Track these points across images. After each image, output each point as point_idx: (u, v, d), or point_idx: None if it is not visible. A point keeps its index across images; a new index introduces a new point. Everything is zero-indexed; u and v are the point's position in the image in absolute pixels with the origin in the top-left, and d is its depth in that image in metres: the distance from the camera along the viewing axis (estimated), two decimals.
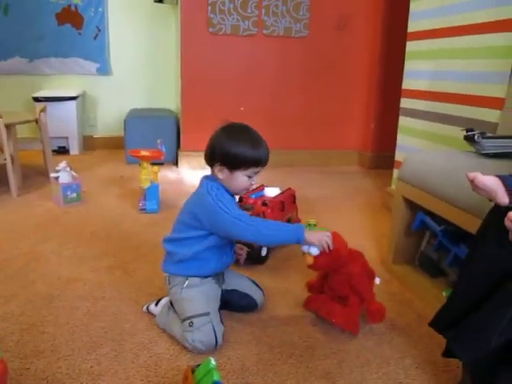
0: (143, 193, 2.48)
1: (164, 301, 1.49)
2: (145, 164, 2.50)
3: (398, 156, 2.72)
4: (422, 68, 2.55)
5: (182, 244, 1.40)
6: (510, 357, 0.91)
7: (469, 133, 1.70)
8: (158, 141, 2.60)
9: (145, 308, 1.52)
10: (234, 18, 3.44)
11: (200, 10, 3.38)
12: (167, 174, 3.33)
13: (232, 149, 1.30)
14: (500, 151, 1.63)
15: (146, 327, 1.43)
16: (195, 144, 3.55)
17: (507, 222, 0.87)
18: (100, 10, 4.06)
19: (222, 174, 1.34)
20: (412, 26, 2.64)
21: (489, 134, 1.75)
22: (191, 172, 3.44)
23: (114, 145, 4.10)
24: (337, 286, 1.45)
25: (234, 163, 1.31)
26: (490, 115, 2.07)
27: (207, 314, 1.32)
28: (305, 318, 1.51)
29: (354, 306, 1.43)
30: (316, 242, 1.32)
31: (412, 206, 1.76)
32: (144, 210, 2.47)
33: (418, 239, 1.84)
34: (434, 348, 1.37)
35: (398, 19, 3.10)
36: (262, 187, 2.19)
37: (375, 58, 3.65)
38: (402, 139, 2.71)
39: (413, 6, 2.64)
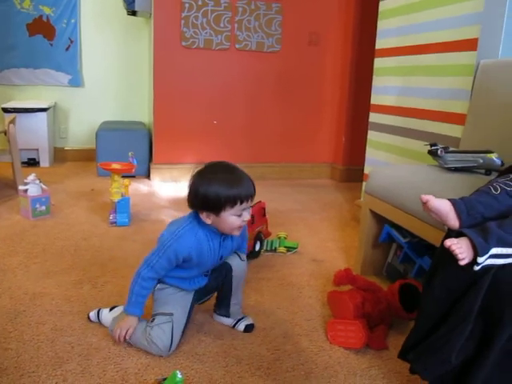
0: (114, 206, 2.46)
1: (121, 309, 1.47)
2: (115, 177, 2.49)
3: (367, 169, 2.78)
4: (389, 84, 2.63)
5: None
6: (470, 371, 0.93)
7: (432, 147, 1.76)
8: (130, 154, 2.59)
9: (94, 313, 1.51)
10: (206, 33, 3.48)
11: (173, 24, 3.40)
12: (139, 186, 3.31)
13: (209, 192, 1.26)
14: (461, 165, 1.69)
15: (113, 342, 1.41)
16: (167, 157, 3.56)
17: (446, 243, 0.90)
18: (72, 21, 4.04)
19: (210, 219, 1.30)
20: (379, 44, 2.72)
21: (451, 149, 1.80)
22: (163, 185, 3.43)
23: (86, 157, 4.06)
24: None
25: (216, 207, 1.27)
26: (454, 130, 2.14)
27: (170, 314, 1.36)
28: (274, 330, 1.52)
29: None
30: (115, 329, 1.38)
31: (379, 219, 1.80)
32: (114, 223, 2.45)
33: (385, 251, 1.88)
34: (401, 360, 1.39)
35: (366, 36, 3.20)
36: None
37: (345, 74, 3.73)
38: (370, 153, 2.77)
39: (380, 24, 2.72)
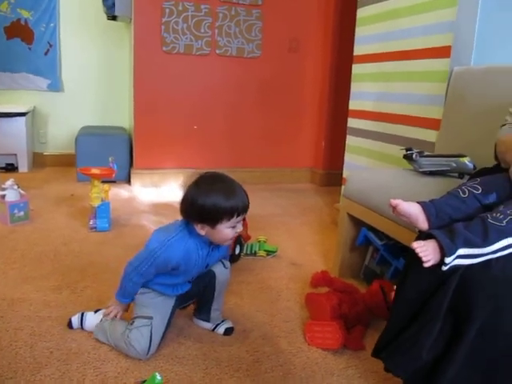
0: (94, 211, 2.45)
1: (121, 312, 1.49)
2: (95, 182, 2.48)
3: (346, 173, 2.83)
4: (366, 90, 2.68)
5: None
6: (440, 366, 0.97)
7: (407, 152, 1.80)
8: (110, 159, 2.58)
9: (77, 317, 1.51)
10: (187, 38, 3.49)
11: (153, 29, 3.41)
12: (119, 192, 3.30)
13: (207, 204, 1.25)
14: (435, 169, 1.73)
15: (93, 346, 1.42)
16: (148, 162, 3.56)
17: (412, 246, 0.94)
18: (52, 25, 4.02)
19: (204, 230, 1.31)
20: (357, 50, 2.78)
21: (426, 153, 1.85)
22: (144, 190, 3.43)
23: (65, 162, 4.02)
24: None
25: (212, 219, 1.27)
26: (429, 135, 2.20)
27: (150, 317, 1.37)
28: (253, 332, 1.54)
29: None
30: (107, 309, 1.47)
31: (356, 222, 1.84)
32: (94, 228, 2.44)
33: (362, 254, 1.92)
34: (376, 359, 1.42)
35: (345, 43, 3.25)
36: None
37: (325, 79, 3.78)
38: (349, 157, 2.82)
39: (358, 31, 2.77)
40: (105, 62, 4.18)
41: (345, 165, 2.86)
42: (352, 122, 2.80)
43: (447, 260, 0.90)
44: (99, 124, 4.20)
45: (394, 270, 1.67)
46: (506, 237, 0.89)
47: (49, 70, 4.08)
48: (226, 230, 1.30)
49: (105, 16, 3.77)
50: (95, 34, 4.11)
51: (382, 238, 1.72)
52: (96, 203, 2.44)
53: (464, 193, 1.04)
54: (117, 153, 3.21)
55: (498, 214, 0.92)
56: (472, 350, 0.92)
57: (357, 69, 2.78)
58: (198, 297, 1.55)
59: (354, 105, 2.80)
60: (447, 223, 0.99)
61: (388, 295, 1.56)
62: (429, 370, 0.96)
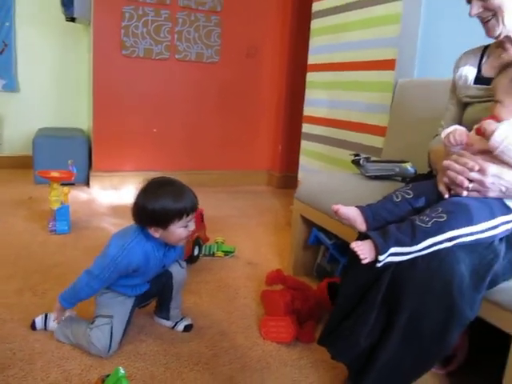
0: (53, 214, 2.47)
1: (67, 312, 1.52)
2: (55, 185, 2.50)
3: (300, 176, 2.96)
4: (319, 97, 2.82)
5: None
6: (377, 350, 1.09)
7: (355, 158, 1.94)
8: (69, 162, 2.61)
9: (40, 318, 1.55)
10: (147, 42, 3.54)
11: (113, 33, 3.43)
12: (78, 194, 3.31)
13: (156, 208, 1.32)
14: (380, 174, 1.88)
15: (56, 346, 1.46)
16: (107, 165, 3.58)
17: (351, 246, 1.07)
18: (7, 24, 3.95)
19: (158, 233, 1.37)
20: (311, 59, 2.92)
21: (372, 159, 2.00)
22: (103, 192, 3.45)
23: (22, 164, 3.97)
24: None
25: (163, 221, 1.34)
26: (376, 141, 2.36)
27: (110, 316, 1.43)
28: (212, 329, 1.63)
29: None
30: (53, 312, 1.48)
31: (308, 223, 1.96)
32: (54, 231, 2.46)
33: (314, 253, 2.04)
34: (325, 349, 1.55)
35: (300, 51, 3.37)
36: None
37: (281, 85, 3.91)
38: (303, 161, 2.96)
39: (312, 42, 2.91)
40: (63, 63, 4.15)
41: (299, 168, 2.99)
42: (306, 128, 2.94)
43: (381, 258, 1.02)
44: (57, 126, 4.17)
45: (342, 267, 1.80)
46: (431, 237, 1.02)
47: (4, 70, 4.01)
48: (179, 230, 1.37)
49: (63, 17, 3.75)
50: (53, 35, 4.08)
51: (331, 238, 1.84)
52: (55, 206, 2.46)
53: (397, 197, 1.17)
54: (75, 155, 3.23)
55: (425, 217, 1.05)
56: (404, 335, 1.04)
57: (311, 77, 2.91)
58: (156, 296, 1.62)
59: (308, 111, 2.93)
60: (383, 225, 1.12)
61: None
62: (367, 355, 1.09)
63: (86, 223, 2.67)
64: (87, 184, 3.57)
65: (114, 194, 3.44)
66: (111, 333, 1.41)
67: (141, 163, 3.67)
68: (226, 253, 2.30)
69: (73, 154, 3.21)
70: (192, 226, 1.41)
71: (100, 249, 2.03)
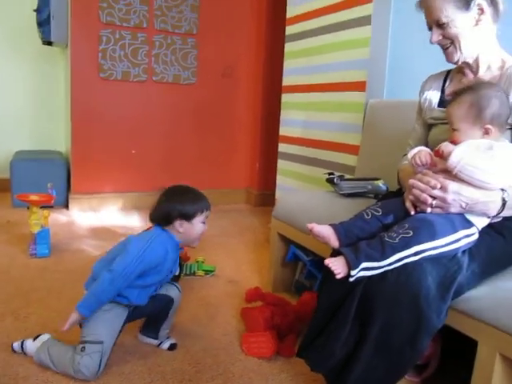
0: (33, 237, 2.48)
1: (46, 337, 1.53)
2: (34, 208, 2.51)
3: (277, 194, 3.03)
4: (294, 117, 2.91)
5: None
6: (352, 360, 1.15)
7: (330, 176, 2.02)
8: (49, 185, 2.62)
9: (17, 344, 1.55)
10: (124, 65, 3.59)
11: (90, 56, 3.48)
12: (58, 217, 3.31)
13: (186, 204, 1.50)
14: (354, 191, 1.96)
15: (40, 370, 1.47)
16: (86, 187, 3.59)
17: (325, 262, 1.13)
18: None
19: (182, 227, 1.50)
20: (286, 81, 3.01)
21: (346, 177, 2.08)
22: (82, 214, 3.45)
23: None
24: None
25: (190, 213, 1.50)
26: (350, 160, 2.45)
27: (101, 342, 1.42)
28: (194, 347, 1.67)
29: None
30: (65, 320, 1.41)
31: (286, 241, 2.03)
32: (34, 254, 2.46)
33: (292, 269, 2.10)
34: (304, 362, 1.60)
35: (276, 72, 3.46)
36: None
37: (257, 106, 4.00)
38: (280, 179, 3.03)
39: (286, 64, 3.02)
40: (40, 85, 4.17)
41: (277, 187, 3.07)
42: (282, 147, 3.02)
43: (353, 272, 1.09)
44: (35, 148, 4.17)
45: (319, 283, 1.86)
46: (398, 252, 1.10)
47: None
48: (200, 225, 1.53)
49: (40, 40, 3.78)
50: (30, 57, 4.10)
51: (309, 255, 1.91)
52: (35, 230, 2.47)
53: (368, 215, 1.25)
54: (54, 178, 3.24)
55: (393, 233, 1.13)
56: (376, 346, 1.11)
57: (285, 98, 3.01)
58: (148, 316, 1.65)
59: (283, 131, 3.02)
60: (354, 241, 1.19)
61: None
62: (343, 365, 1.15)
63: (67, 246, 2.68)
64: (66, 206, 3.57)
65: (93, 215, 3.45)
66: (101, 359, 1.42)
67: (120, 185, 3.69)
68: (207, 272, 2.34)
69: (51, 177, 3.22)
70: (206, 226, 1.57)
71: (82, 270, 2.08)
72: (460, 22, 1.32)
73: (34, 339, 1.55)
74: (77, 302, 1.41)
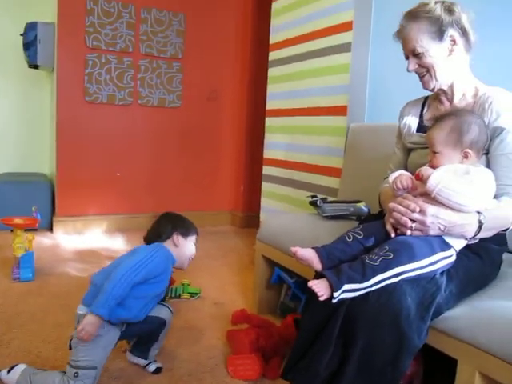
0: (17, 261, 2.46)
1: (22, 366, 1.48)
2: (18, 232, 2.49)
3: (262, 216, 3.06)
4: (278, 140, 2.97)
5: None
6: (336, 380, 1.17)
7: (313, 199, 2.06)
8: (33, 208, 2.62)
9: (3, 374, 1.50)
10: (110, 89, 3.63)
11: (76, 80, 3.51)
12: (42, 240, 3.28)
13: (184, 222, 1.68)
14: (336, 214, 2.00)
15: None
16: (71, 209, 3.58)
17: (309, 284, 1.16)
18: None
19: (179, 241, 1.62)
20: (269, 105, 3.08)
21: (329, 199, 2.13)
22: (67, 237, 3.43)
23: None
24: None
25: (187, 229, 1.66)
26: (332, 182, 2.50)
27: (94, 368, 1.41)
28: (179, 370, 1.66)
29: None
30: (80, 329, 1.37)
31: (270, 263, 2.05)
32: (18, 278, 2.44)
33: (277, 291, 2.12)
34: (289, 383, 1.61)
35: (260, 96, 3.53)
36: None
37: (242, 129, 4.06)
38: (264, 201, 3.07)
39: (269, 88, 3.09)
40: (25, 108, 4.17)
41: (261, 209, 3.10)
42: (266, 170, 3.07)
43: (335, 294, 1.12)
44: (19, 171, 4.14)
45: (304, 304, 1.88)
46: (379, 273, 1.13)
47: None
48: (192, 245, 1.68)
49: (26, 63, 3.81)
50: (15, 80, 4.11)
51: (293, 277, 1.93)
52: (19, 253, 2.45)
53: (349, 238, 1.28)
54: (38, 200, 3.23)
55: (374, 256, 1.16)
56: (359, 367, 1.13)
57: (269, 121, 3.07)
58: (139, 337, 1.65)
59: (267, 154, 3.07)
60: (337, 264, 1.22)
61: None
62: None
63: (51, 269, 2.66)
64: (50, 229, 3.55)
65: (77, 238, 3.44)
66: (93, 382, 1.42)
67: (105, 207, 3.69)
68: (192, 294, 2.34)
69: (35, 199, 3.21)
70: (195, 249, 1.71)
71: (66, 295, 2.08)
72: (434, 51, 1.39)
73: (8, 371, 1.48)
74: (90, 309, 1.38)
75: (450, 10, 1.37)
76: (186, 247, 1.65)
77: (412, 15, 1.40)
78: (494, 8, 1.84)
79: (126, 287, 1.40)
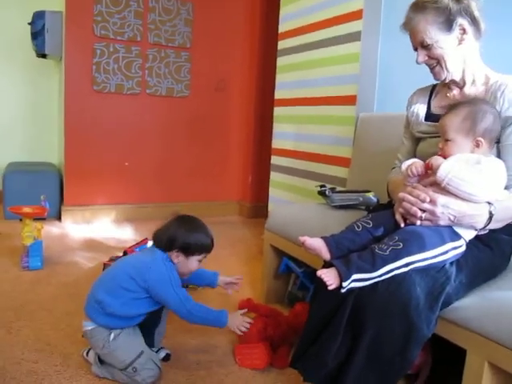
0: (26, 250, 2.47)
1: (92, 353, 1.56)
2: (27, 221, 2.51)
3: (270, 206, 3.06)
4: (286, 130, 2.95)
5: (117, 295, 1.47)
6: (343, 370, 1.17)
7: (321, 188, 2.05)
8: (42, 197, 2.63)
9: (85, 353, 1.61)
10: (118, 78, 3.62)
11: (84, 69, 3.50)
12: (51, 229, 3.30)
13: (191, 239, 1.50)
14: (345, 203, 1.99)
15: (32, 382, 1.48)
16: (79, 199, 3.60)
17: (318, 273, 1.16)
18: None
19: (178, 259, 1.51)
20: (278, 94, 3.06)
21: (338, 189, 2.11)
22: (75, 226, 3.45)
23: None
24: None
25: (191, 251, 1.51)
26: (341, 172, 2.48)
27: (142, 352, 1.45)
28: (187, 358, 1.68)
29: None
30: (235, 328, 1.52)
31: (278, 253, 2.05)
32: (27, 267, 2.46)
33: (285, 281, 2.12)
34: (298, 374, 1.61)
35: (268, 86, 3.51)
36: (145, 240, 2.33)
37: (250, 118, 4.04)
38: (272, 192, 3.06)
39: (278, 78, 3.06)
40: (33, 97, 4.18)
41: (269, 199, 3.09)
42: (275, 160, 3.05)
43: (344, 284, 1.11)
44: (27, 160, 4.17)
45: (312, 294, 1.88)
46: (389, 263, 1.12)
47: None
48: (195, 263, 1.54)
49: (34, 52, 3.81)
50: (23, 70, 4.11)
51: (301, 266, 1.93)
52: (28, 242, 2.47)
53: (358, 227, 1.28)
54: (46, 189, 3.24)
55: (383, 245, 1.16)
56: (367, 356, 1.13)
57: (278, 111, 3.05)
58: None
59: (276, 143, 3.06)
60: (346, 253, 1.21)
61: None
62: (335, 375, 1.16)
63: (59, 258, 2.68)
64: (59, 218, 3.57)
65: (86, 227, 3.46)
66: (154, 362, 1.47)
67: (113, 197, 3.70)
68: None
69: (44, 189, 3.22)
70: (201, 264, 1.57)
71: (74, 283, 2.09)
72: (444, 42, 1.36)
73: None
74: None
75: None
76: (185, 264, 1.53)
77: (419, 6, 1.36)
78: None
79: (191, 308, 1.48)
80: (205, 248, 1.54)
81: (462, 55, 1.39)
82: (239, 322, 1.53)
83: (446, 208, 1.17)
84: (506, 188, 1.26)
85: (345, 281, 1.11)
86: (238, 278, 1.68)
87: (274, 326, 1.72)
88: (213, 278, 1.72)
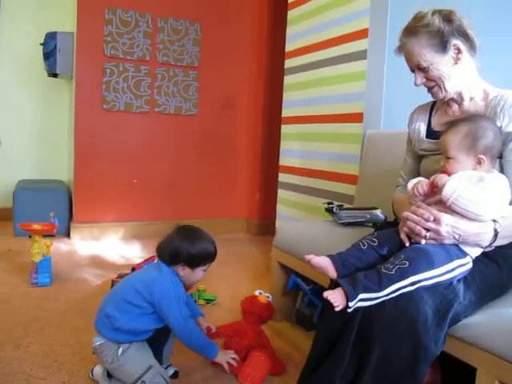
0: (35, 266, 2.49)
1: (98, 369, 1.57)
2: (36, 237, 2.53)
3: (278, 223, 3.06)
4: (294, 148, 2.97)
5: (125, 311, 1.47)
6: None
7: (329, 206, 2.05)
8: (51, 214, 2.66)
9: (91, 374, 1.61)
10: (127, 97, 3.67)
11: (94, 88, 3.56)
12: (59, 246, 3.33)
13: (195, 251, 1.52)
14: (352, 220, 1.99)
15: None
16: (88, 216, 3.62)
17: (324, 295, 1.16)
18: None
19: (184, 272, 1.54)
20: (285, 112, 3.09)
21: (345, 206, 2.12)
22: (84, 243, 3.47)
23: (1, 217, 3.98)
24: None
25: (195, 262, 1.54)
26: (349, 189, 2.49)
27: (151, 367, 1.45)
28: (195, 375, 1.68)
29: None
30: (223, 362, 1.55)
31: (286, 270, 2.05)
32: (36, 283, 2.47)
33: (293, 298, 2.11)
34: None
35: (275, 104, 3.54)
36: (154, 257, 2.34)
37: (258, 136, 4.06)
38: (280, 209, 3.07)
39: (285, 96, 3.10)
40: (44, 116, 4.26)
41: (277, 216, 3.10)
42: (282, 177, 3.07)
43: (350, 304, 1.11)
44: (37, 177, 4.22)
45: (320, 311, 1.87)
46: (395, 282, 1.12)
47: None
48: (201, 273, 1.58)
49: (45, 72, 3.88)
50: (35, 89, 4.19)
51: (309, 283, 1.93)
52: (37, 258, 2.48)
53: (364, 245, 1.28)
54: (56, 206, 3.27)
55: (389, 265, 1.16)
56: (376, 373, 1.12)
57: (285, 129, 3.08)
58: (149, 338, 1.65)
59: (283, 161, 3.08)
60: (352, 271, 1.21)
61: None
62: None
63: (68, 275, 2.69)
64: (68, 235, 3.59)
65: (94, 244, 3.48)
66: (162, 376, 1.47)
67: (122, 214, 3.73)
68: (208, 301, 2.35)
69: (53, 206, 3.25)
70: (207, 272, 1.61)
71: (83, 300, 2.10)
72: (440, 64, 1.36)
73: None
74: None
75: (448, 20, 1.33)
76: (192, 275, 1.56)
77: (411, 31, 1.37)
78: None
79: (192, 329, 1.51)
80: (209, 257, 1.57)
81: (459, 74, 1.38)
82: (227, 357, 1.56)
83: (450, 227, 1.17)
84: (511, 203, 1.25)
85: (351, 300, 1.11)
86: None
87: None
88: (196, 315, 1.71)
